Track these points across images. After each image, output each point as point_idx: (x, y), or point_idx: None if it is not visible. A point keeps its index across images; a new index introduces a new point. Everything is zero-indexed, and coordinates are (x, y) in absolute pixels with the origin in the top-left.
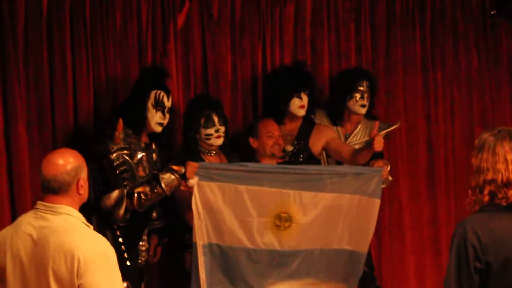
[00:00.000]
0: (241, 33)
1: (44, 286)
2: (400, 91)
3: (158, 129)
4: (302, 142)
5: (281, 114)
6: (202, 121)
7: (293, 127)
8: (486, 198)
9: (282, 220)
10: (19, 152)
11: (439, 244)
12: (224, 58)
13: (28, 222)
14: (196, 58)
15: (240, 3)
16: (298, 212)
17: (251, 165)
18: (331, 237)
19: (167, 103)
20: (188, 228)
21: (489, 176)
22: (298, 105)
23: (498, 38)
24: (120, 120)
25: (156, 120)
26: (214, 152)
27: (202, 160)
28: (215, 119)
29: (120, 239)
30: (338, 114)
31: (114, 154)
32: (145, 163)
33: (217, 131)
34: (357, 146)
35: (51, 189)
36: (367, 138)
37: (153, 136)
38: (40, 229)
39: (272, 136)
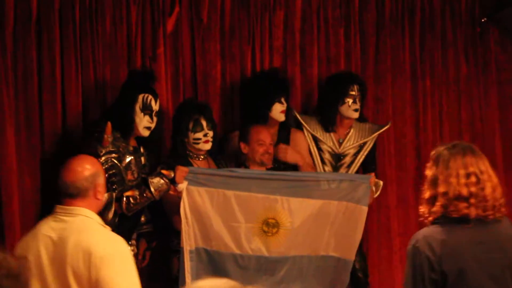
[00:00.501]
0: (231, 38)
1: (64, 284)
2: (388, 98)
3: (146, 133)
4: None
5: (262, 120)
6: (191, 125)
7: (272, 132)
8: (439, 210)
9: (270, 226)
10: (7, 156)
11: None
12: (214, 63)
13: (48, 226)
14: (185, 62)
15: (230, 8)
16: (285, 218)
17: (240, 171)
18: (318, 244)
19: (155, 106)
20: (176, 233)
21: (442, 189)
22: (280, 110)
23: (486, 46)
24: (109, 123)
25: (144, 124)
26: (202, 157)
27: (191, 164)
28: (204, 123)
29: None
30: (331, 120)
31: (103, 158)
32: (133, 167)
33: (205, 135)
34: (352, 151)
35: (69, 194)
36: (360, 142)
37: (141, 140)
38: (60, 230)
39: (263, 144)
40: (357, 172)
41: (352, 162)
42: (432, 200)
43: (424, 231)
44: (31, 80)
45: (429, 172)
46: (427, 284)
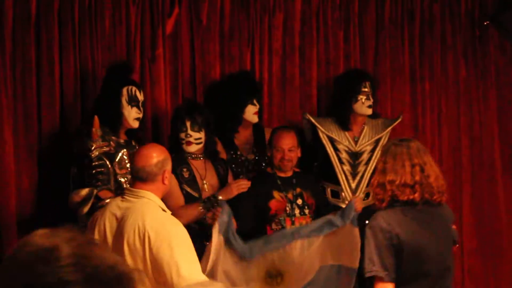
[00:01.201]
0: (230, 40)
1: (117, 246)
2: (387, 101)
3: (136, 124)
4: (260, 147)
5: (236, 122)
6: (178, 125)
7: (247, 135)
8: (389, 195)
9: (273, 277)
10: (4, 156)
11: None
12: (213, 64)
13: (116, 205)
14: (184, 64)
15: (229, 10)
16: (286, 263)
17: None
18: (317, 262)
19: (140, 96)
20: None
21: (390, 177)
22: (253, 111)
23: (486, 50)
24: (95, 117)
25: (133, 116)
26: (199, 157)
27: (188, 164)
28: (188, 124)
29: None
30: (346, 119)
31: (95, 152)
32: (127, 159)
33: (186, 136)
34: (368, 148)
35: (139, 178)
36: (375, 138)
37: (130, 133)
38: (124, 209)
39: (279, 151)
40: (375, 168)
41: (369, 159)
42: (383, 187)
43: (382, 213)
44: (29, 80)
45: (379, 164)
46: (390, 256)
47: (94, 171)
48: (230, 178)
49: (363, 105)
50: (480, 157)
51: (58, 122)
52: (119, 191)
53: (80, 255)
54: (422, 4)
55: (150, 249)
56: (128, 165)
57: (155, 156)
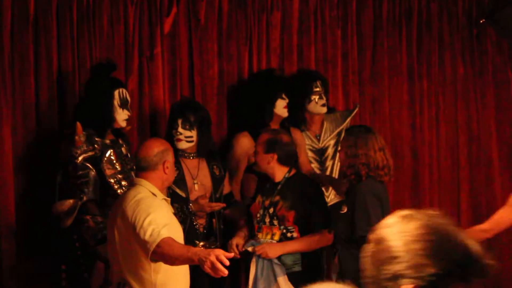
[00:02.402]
0: (228, 39)
1: (112, 236)
2: (385, 99)
3: (125, 124)
4: None
5: (268, 117)
6: (171, 122)
7: None
8: (363, 173)
9: None
10: (3, 155)
11: None
12: (211, 63)
13: (123, 193)
14: (182, 62)
15: (227, 9)
16: None
17: None
18: None
19: (129, 98)
20: None
21: (363, 160)
22: (283, 105)
23: (483, 48)
24: (78, 124)
25: (123, 117)
26: (191, 156)
27: (178, 163)
28: (179, 121)
29: (79, 252)
30: (301, 120)
31: (80, 158)
32: (115, 159)
33: (177, 133)
34: (331, 142)
35: (141, 168)
36: (337, 130)
37: (116, 131)
38: (122, 196)
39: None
40: None
41: (335, 153)
42: (357, 169)
43: (366, 183)
44: (28, 80)
45: (349, 149)
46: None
47: (79, 181)
48: (226, 179)
49: (316, 105)
50: (478, 155)
51: (57, 121)
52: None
53: None
54: (420, 3)
55: (131, 226)
56: (117, 165)
57: (155, 147)
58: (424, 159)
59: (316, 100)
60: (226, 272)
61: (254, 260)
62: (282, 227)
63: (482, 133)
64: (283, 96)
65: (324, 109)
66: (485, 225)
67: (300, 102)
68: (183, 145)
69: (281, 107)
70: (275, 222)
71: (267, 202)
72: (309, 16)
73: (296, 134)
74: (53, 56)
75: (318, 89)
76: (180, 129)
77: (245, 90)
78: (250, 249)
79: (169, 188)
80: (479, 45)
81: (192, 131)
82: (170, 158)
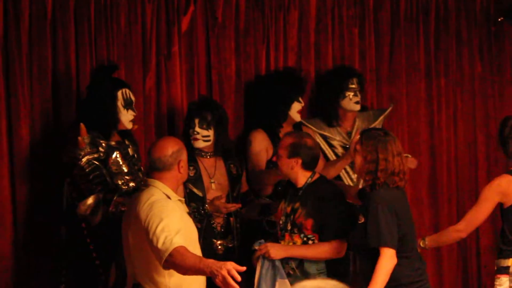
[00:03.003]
0: (245, 37)
1: (126, 239)
2: (403, 97)
3: (131, 126)
4: None
5: (282, 118)
6: (188, 121)
7: (289, 130)
8: (381, 181)
9: None
10: (21, 153)
11: (440, 251)
12: (228, 61)
13: (138, 193)
14: (200, 61)
15: (245, 7)
16: None
17: None
18: None
19: (133, 98)
20: None
21: (383, 166)
22: (298, 109)
23: (501, 45)
24: (82, 125)
25: (129, 118)
26: (208, 155)
27: (195, 162)
28: (196, 121)
29: (94, 254)
30: (334, 116)
31: (84, 159)
32: (121, 161)
33: (193, 133)
34: None
35: (156, 168)
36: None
37: (122, 132)
38: (132, 200)
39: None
40: None
41: None
42: (372, 174)
43: (380, 192)
44: (46, 78)
45: (368, 154)
46: (395, 227)
47: (90, 177)
48: (243, 177)
49: (350, 102)
50: (496, 153)
51: (75, 120)
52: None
53: None
54: (437, 1)
55: (145, 231)
56: (123, 167)
57: (170, 147)
58: (441, 157)
59: (351, 96)
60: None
61: (260, 259)
62: (302, 235)
63: None
64: (300, 99)
65: (358, 107)
66: (459, 225)
67: (335, 98)
68: (200, 144)
69: (295, 111)
70: (295, 230)
71: (288, 209)
72: (326, 14)
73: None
74: (71, 55)
75: (353, 86)
76: (197, 128)
77: (262, 89)
78: (256, 247)
79: (186, 187)
80: (497, 42)
81: (209, 130)
82: (184, 157)
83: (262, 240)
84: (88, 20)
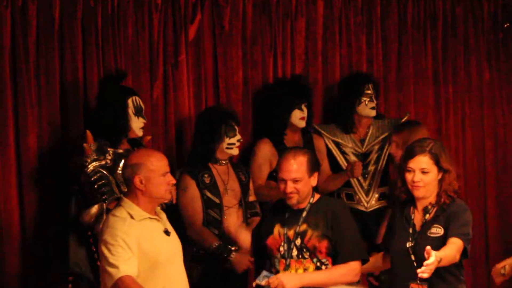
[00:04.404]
0: (252, 45)
1: None
2: (411, 104)
3: (141, 133)
4: None
5: (282, 126)
6: (227, 130)
7: (296, 138)
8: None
9: None
10: (29, 162)
11: None
12: (235, 69)
13: None
14: (207, 69)
15: (252, 15)
16: None
17: None
18: None
19: (142, 105)
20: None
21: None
22: (299, 116)
23: (509, 52)
24: (88, 132)
25: (139, 125)
26: (224, 162)
27: (209, 169)
28: (237, 129)
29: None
30: (349, 122)
31: (90, 167)
32: None
33: (239, 140)
34: (375, 147)
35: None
36: (382, 136)
37: (132, 140)
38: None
39: (281, 181)
40: (385, 166)
41: (378, 158)
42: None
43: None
44: (53, 88)
45: (445, 163)
46: None
47: (96, 186)
48: (250, 185)
49: (366, 107)
50: (505, 160)
51: (82, 129)
52: None
53: None
54: (445, 7)
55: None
56: None
57: (128, 160)
58: None
59: (366, 102)
60: None
61: None
62: (315, 259)
63: (509, 138)
64: (302, 107)
65: (373, 112)
66: None
67: (351, 103)
68: (237, 151)
69: (297, 118)
70: (306, 255)
71: (291, 233)
72: (334, 22)
73: (319, 141)
74: (78, 64)
75: (369, 91)
76: (239, 136)
77: (265, 96)
78: (263, 282)
79: (203, 194)
80: (504, 49)
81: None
82: (143, 172)
83: (266, 273)
84: (96, 29)
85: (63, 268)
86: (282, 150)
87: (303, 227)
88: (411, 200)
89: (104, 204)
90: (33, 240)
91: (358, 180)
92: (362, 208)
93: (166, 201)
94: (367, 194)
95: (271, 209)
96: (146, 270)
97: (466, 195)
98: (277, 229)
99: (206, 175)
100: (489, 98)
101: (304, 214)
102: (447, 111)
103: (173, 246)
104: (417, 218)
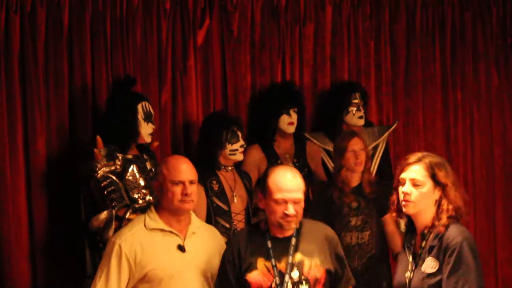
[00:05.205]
0: (261, 51)
1: None
2: (419, 110)
3: (150, 139)
4: (301, 159)
5: (271, 131)
6: (229, 136)
7: (287, 144)
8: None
9: None
10: (38, 167)
11: None
12: (244, 75)
13: None
14: (215, 74)
15: (260, 21)
16: None
17: None
18: None
19: (152, 111)
20: None
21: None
22: (287, 122)
23: None
24: (98, 137)
25: (148, 131)
26: (230, 168)
27: (217, 176)
28: (240, 134)
29: None
30: (338, 131)
31: (100, 172)
32: (138, 174)
33: (242, 146)
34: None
35: None
36: (373, 144)
37: (141, 146)
38: None
39: (280, 203)
40: (376, 173)
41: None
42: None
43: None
44: (62, 93)
45: (449, 183)
46: None
47: (105, 192)
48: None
49: (354, 117)
50: None
51: (91, 134)
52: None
53: None
54: (453, 13)
55: None
56: (140, 181)
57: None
58: (458, 170)
59: (354, 111)
60: None
61: None
62: None
63: None
64: (290, 112)
65: (361, 121)
66: None
67: (338, 113)
68: (242, 156)
69: (285, 123)
70: None
71: (282, 266)
72: (342, 27)
73: (312, 147)
74: (87, 69)
75: (356, 100)
76: (243, 141)
77: (256, 103)
78: None
79: (212, 202)
80: None
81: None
82: (160, 178)
83: None
84: (104, 35)
85: (79, 271)
86: (271, 155)
87: (298, 257)
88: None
89: (114, 211)
90: (42, 245)
91: None
92: None
93: (180, 211)
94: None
95: (245, 238)
96: (143, 283)
97: (475, 201)
98: (261, 263)
99: (214, 182)
100: (498, 104)
101: (294, 241)
102: (456, 116)
103: (185, 263)
104: (418, 244)
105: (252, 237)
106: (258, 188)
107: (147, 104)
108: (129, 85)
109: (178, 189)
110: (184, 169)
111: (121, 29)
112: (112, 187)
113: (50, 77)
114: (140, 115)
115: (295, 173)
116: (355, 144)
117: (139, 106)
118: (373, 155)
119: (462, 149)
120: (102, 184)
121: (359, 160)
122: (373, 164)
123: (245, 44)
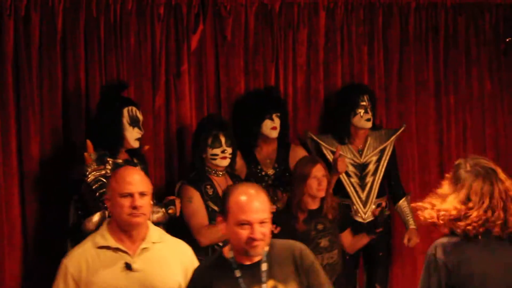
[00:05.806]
0: (254, 55)
1: None
2: (412, 115)
3: (137, 144)
4: (282, 164)
5: (253, 137)
6: (209, 141)
7: (270, 150)
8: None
9: None
10: (31, 171)
11: None
12: (237, 79)
13: None
14: (209, 79)
15: (254, 26)
16: None
17: None
18: None
19: (140, 116)
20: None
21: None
22: (270, 126)
23: (511, 63)
24: (88, 141)
25: (135, 136)
26: (221, 173)
27: (210, 180)
28: (222, 139)
29: None
30: (346, 133)
31: (91, 176)
32: None
33: (223, 151)
34: (374, 158)
35: None
36: (380, 147)
37: (131, 151)
38: None
39: (244, 226)
40: (383, 177)
41: (376, 169)
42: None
43: (442, 241)
44: (56, 96)
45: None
46: None
47: (97, 194)
48: None
49: (361, 119)
50: (506, 171)
51: (84, 139)
52: None
53: None
54: (447, 18)
55: None
56: None
57: None
58: None
59: (362, 114)
60: None
61: None
62: None
63: (510, 149)
64: (273, 117)
65: (369, 124)
66: None
67: (346, 115)
68: (227, 162)
69: (268, 128)
70: None
71: None
72: (336, 32)
73: (297, 152)
74: (81, 73)
75: (364, 103)
76: (225, 147)
77: (237, 108)
78: None
79: (207, 206)
80: (506, 60)
81: (231, 147)
82: (109, 191)
83: None
84: (98, 39)
85: None
86: (251, 161)
87: (271, 284)
88: None
89: (106, 212)
90: (35, 249)
91: (356, 191)
92: (360, 219)
93: (130, 227)
94: (364, 205)
95: (210, 272)
96: None
97: None
98: None
99: (208, 186)
100: (491, 109)
101: (264, 267)
102: (449, 121)
103: (132, 282)
104: None
105: (216, 269)
106: (218, 212)
107: (133, 109)
108: (118, 90)
109: (126, 202)
110: (133, 180)
111: (115, 33)
112: (104, 189)
113: (44, 81)
114: (126, 119)
115: (258, 190)
116: (318, 171)
117: (125, 111)
118: (380, 158)
119: (455, 154)
120: (93, 187)
121: (322, 186)
122: (380, 167)
123: (238, 49)
